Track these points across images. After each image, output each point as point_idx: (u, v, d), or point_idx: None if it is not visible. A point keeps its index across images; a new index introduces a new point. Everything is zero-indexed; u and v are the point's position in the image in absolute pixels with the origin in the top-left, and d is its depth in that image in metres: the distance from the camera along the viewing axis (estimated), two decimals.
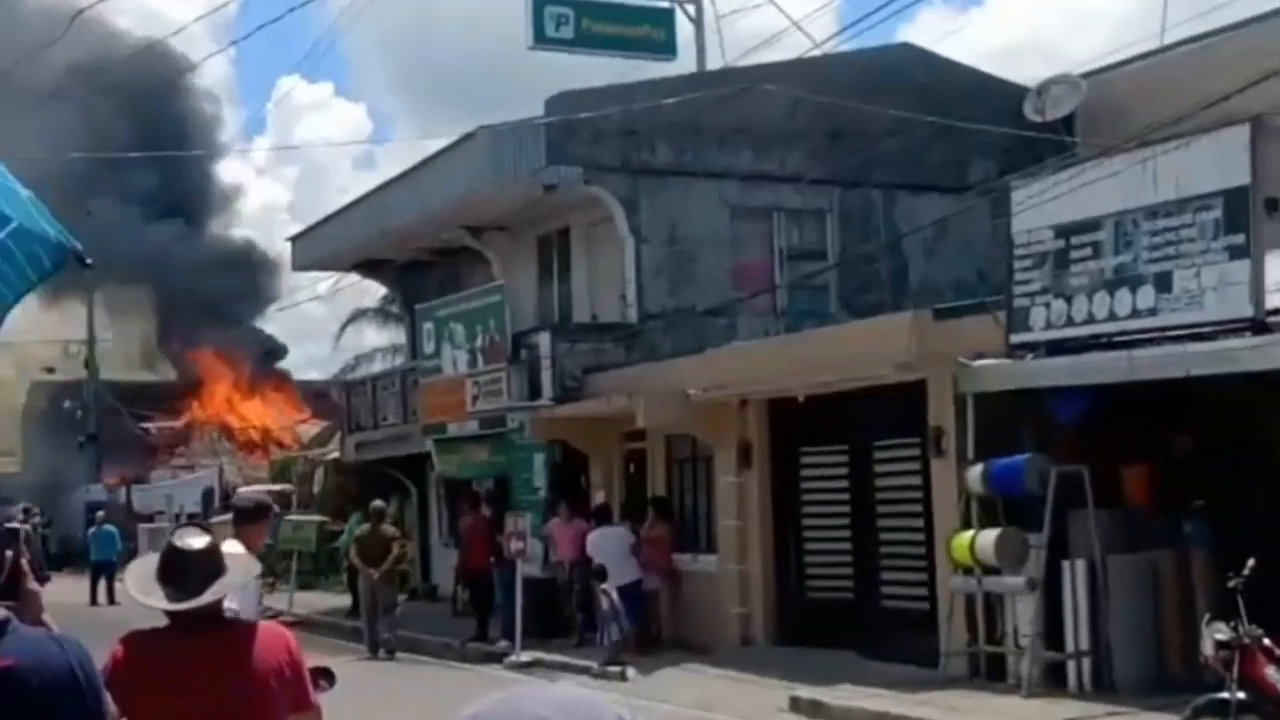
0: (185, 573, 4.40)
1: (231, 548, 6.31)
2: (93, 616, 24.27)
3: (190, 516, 31.05)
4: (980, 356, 13.59)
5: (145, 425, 43.16)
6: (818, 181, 20.64)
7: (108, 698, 3.37)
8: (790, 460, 16.63)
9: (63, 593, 27.66)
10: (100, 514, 30.90)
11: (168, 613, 4.47)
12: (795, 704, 13.18)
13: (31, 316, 47.74)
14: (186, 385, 45.29)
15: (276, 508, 11.92)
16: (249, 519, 6.72)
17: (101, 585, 28.29)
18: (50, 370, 43.95)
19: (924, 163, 20.72)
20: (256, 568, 5.36)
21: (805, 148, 20.97)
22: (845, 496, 15.82)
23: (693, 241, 20.71)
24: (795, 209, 21.43)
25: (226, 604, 5.71)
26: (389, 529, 20.27)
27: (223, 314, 47.14)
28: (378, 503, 20.75)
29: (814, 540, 16.38)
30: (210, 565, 4.45)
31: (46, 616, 3.34)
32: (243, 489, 23.98)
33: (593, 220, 21.79)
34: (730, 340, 18.89)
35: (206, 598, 4.40)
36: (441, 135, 22.60)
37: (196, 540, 4.49)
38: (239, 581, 4.65)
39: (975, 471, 13.13)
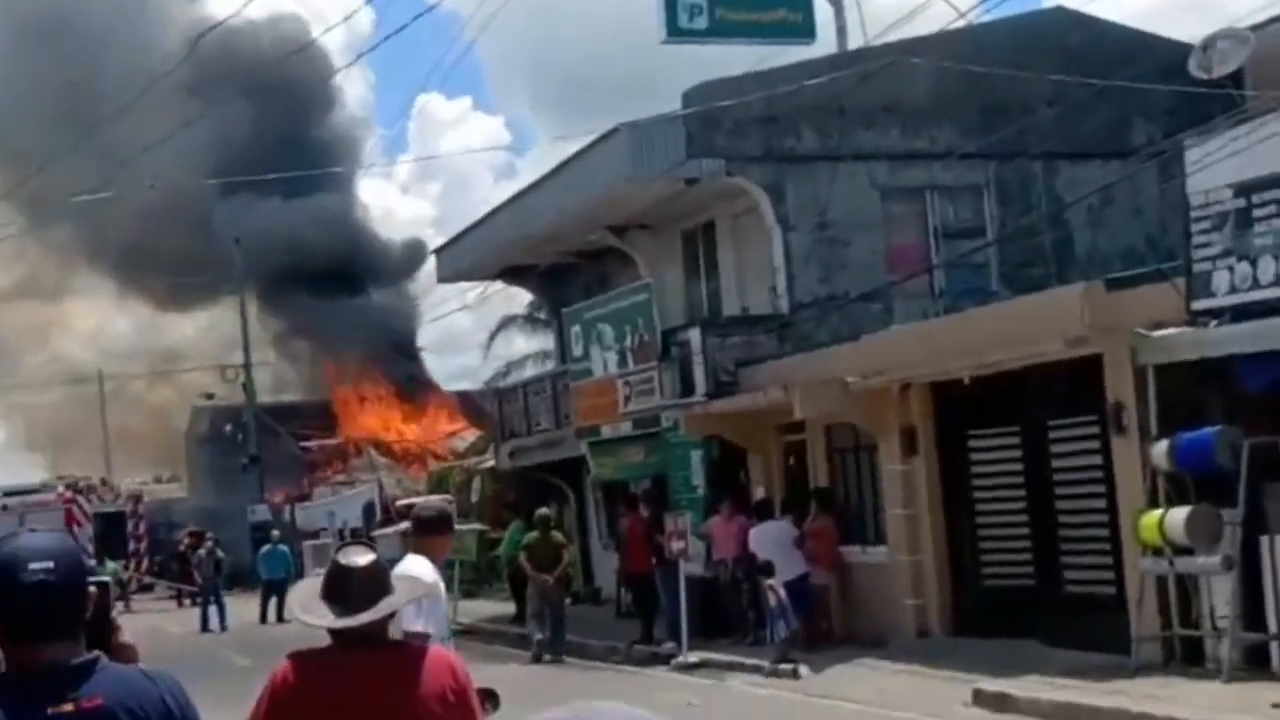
0: (349, 590, 4.26)
1: (414, 562, 6.08)
2: (262, 634, 24.60)
3: (353, 531, 31.36)
4: (1159, 326, 12.89)
5: (304, 444, 43.80)
6: (971, 156, 19.98)
7: None
8: (958, 445, 16.04)
9: (236, 613, 28.32)
10: (275, 533, 31.42)
11: (332, 632, 4.32)
12: (978, 697, 12.62)
13: (189, 342, 48.99)
14: (340, 403, 45.92)
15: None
16: (432, 529, 6.44)
17: (272, 604, 28.69)
18: (209, 396, 44.81)
19: (1083, 129, 19.92)
20: (423, 588, 5.21)
21: (956, 122, 20.34)
22: (1020, 479, 15.18)
23: (843, 226, 20.20)
24: (949, 186, 20.79)
25: (414, 625, 5.48)
26: (558, 535, 20.56)
27: (370, 323, 47.76)
28: (544, 510, 20.84)
29: (989, 526, 15.76)
30: (375, 583, 4.30)
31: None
32: (423, 499, 24.13)
33: (737, 211, 21.41)
34: (887, 325, 18.33)
35: (370, 616, 4.23)
36: (579, 137, 22.26)
37: (361, 557, 4.35)
38: (404, 600, 4.49)
39: (1161, 447, 12.44)
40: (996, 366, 14.24)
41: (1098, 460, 13.85)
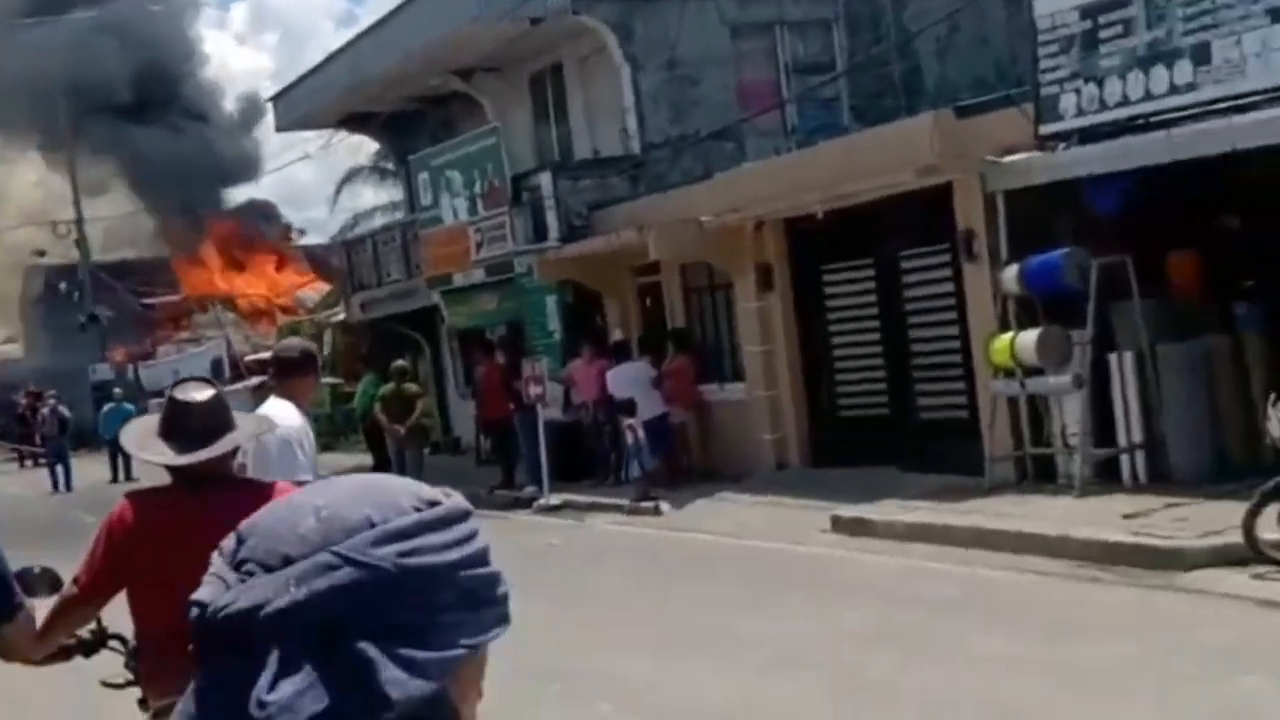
0: (188, 426, 4.00)
1: (277, 406, 5.78)
2: (113, 493, 24.06)
3: None
4: (1009, 153, 12.96)
5: (146, 301, 42.58)
6: None
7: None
8: (813, 280, 16.11)
9: (82, 473, 27.61)
10: (118, 391, 30.53)
11: (171, 471, 4.07)
12: (837, 523, 12.83)
13: (16, 197, 46.99)
14: (184, 259, 44.62)
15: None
16: (296, 370, 6.07)
17: (120, 462, 28.04)
18: (41, 253, 43.18)
19: None
20: (270, 423, 4.87)
21: None
22: (874, 311, 15.32)
23: (693, 64, 19.92)
24: (798, 21, 20.60)
25: (306, 475, 5.18)
26: (411, 386, 20.37)
27: (206, 181, 46.33)
28: (400, 362, 20.66)
29: (844, 359, 15.93)
30: (215, 418, 4.03)
31: None
32: (283, 341, 23.66)
33: (585, 52, 20.98)
34: (740, 164, 18.21)
35: (210, 452, 3.97)
36: None
37: (200, 393, 4.07)
38: (246, 436, 4.22)
39: (1010, 271, 12.60)
40: (849, 200, 14.24)
41: (950, 288, 14.00)
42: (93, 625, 4.16)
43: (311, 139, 32.16)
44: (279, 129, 30.30)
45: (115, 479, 27.52)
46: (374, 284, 25.53)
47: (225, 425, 4.05)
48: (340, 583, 1.13)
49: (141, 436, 4.12)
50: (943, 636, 8.66)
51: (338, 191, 40.16)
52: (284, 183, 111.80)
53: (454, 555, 1.17)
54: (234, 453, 4.17)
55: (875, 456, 14.65)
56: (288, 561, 1.16)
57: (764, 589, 10.87)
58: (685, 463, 17.38)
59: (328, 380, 26.81)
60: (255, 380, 30.89)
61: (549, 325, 20.06)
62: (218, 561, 1.21)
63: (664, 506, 15.56)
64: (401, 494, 1.20)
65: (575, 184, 19.42)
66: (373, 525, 1.16)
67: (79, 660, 4.20)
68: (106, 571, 4.00)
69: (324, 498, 1.21)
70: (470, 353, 22.89)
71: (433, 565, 1.16)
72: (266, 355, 34.90)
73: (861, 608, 9.78)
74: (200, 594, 1.19)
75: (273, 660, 1.14)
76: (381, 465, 22.04)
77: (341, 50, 25.94)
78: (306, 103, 27.21)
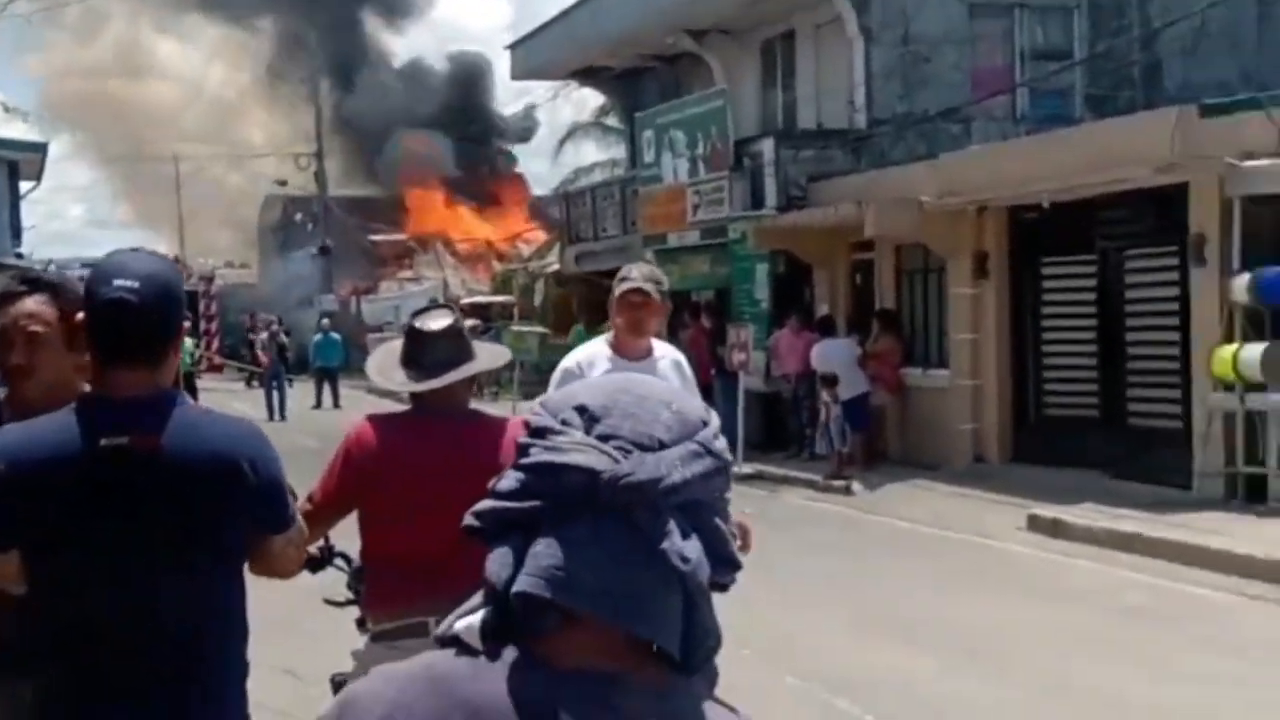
0: (426, 354, 4.06)
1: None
2: (323, 418, 24.97)
3: None
4: (1249, 158, 12.45)
5: (373, 238, 43.86)
6: None
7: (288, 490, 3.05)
8: (1030, 271, 15.75)
9: (294, 398, 28.68)
10: (325, 321, 31.48)
11: (411, 397, 4.17)
12: (1033, 522, 12.59)
13: (263, 129, 48.91)
14: (414, 197, 45.78)
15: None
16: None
17: (326, 390, 29.05)
18: (282, 183, 44.76)
19: None
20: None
21: None
22: (1092, 309, 14.90)
23: (927, 42, 19.58)
24: (1039, 5, 20.06)
25: None
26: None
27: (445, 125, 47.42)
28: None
29: (1055, 355, 15.54)
30: (453, 347, 4.09)
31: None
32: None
33: (820, 21, 20.80)
34: (965, 146, 17.88)
35: (444, 379, 4.04)
36: None
37: (438, 321, 4.11)
38: (484, 366, 4.22)
39: (1242, 281, 12.12)
40: (1078, 192, 13.86)
41: (1174, 292, 13.53)
42: (320, 542, 4.26)
43: (539, 89, 32.67)
44: (514, 77, 30.87)
45: (319, 405, 28.55)
46: (590, 237, 25.86)
47: (463, 354, 4.10)
48: (705, 469, 1.40)
49: (383, 363, 4.20)
50: (1144, 648, 8.47)
51: (561, 144, 40.80)
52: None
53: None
54: (471, 382, 4.19)
55: (1078, 458, 14.29)
56: (661, 445, 1.40)
57: (956, 579, 10.77)
58: (881, 446, 17.23)
59: (537, 329, 27.35)
60: (468, 323, 31.67)
61: (757, 293, 20.04)
62: (571, 433, 1.39)
63: (856, 487, 15.48)
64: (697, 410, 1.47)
65: (797, 154, 19.32)
66: (704, 424, 1.44)
67: (304, 575, 4.39)
68: (341, 491, 4.07)
69: (661, 391, 1.46)
70: (677, 314, 23.00)
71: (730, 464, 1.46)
72: (481, 299, 35.79)
73: (1057, 610, 9.60)
74: (583, 460, 1.37)
75: (672, 525, 1.38)
76: None
77: (581, 3, 26.24)
78: (543, 52, 27.63)
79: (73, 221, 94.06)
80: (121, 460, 2.76)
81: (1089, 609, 9.57)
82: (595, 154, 39.52)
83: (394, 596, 4.00)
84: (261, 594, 3.14)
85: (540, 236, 38.33)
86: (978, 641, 8.66)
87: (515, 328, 28.20)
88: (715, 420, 1.46)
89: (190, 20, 51.68)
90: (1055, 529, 12.28)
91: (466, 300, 35.80)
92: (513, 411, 24.21)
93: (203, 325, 40.02)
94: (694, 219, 20.74)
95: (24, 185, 35.66)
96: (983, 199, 15.50)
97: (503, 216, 44.06)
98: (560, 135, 40.81)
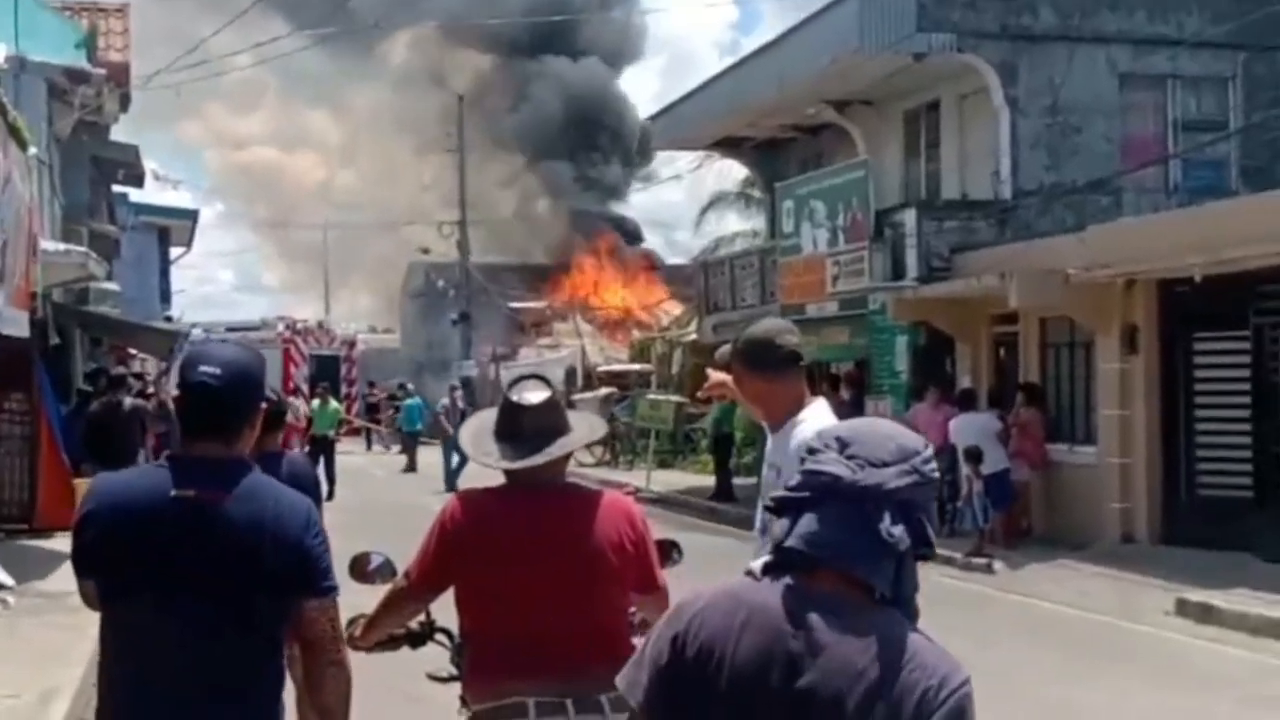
0: (521, 428, 3.95)
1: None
2: (410, 483, 25.36)
3: None
4: None
5: (514, 305, 44.35)
6: (1219, 45, 18.78)
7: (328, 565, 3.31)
8: (1181, 346, 15.29)
9: (427, 462, 29.05)
10: (410, 387, 32.51)
11: (505, 473, 4.03)
12: (1182, 607, 12.11)
13: (409, 197, 49.93)
14: (553, 266, 46.28)
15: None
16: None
17: (416, 453, 29.91)
18: (425, 251, 45.56)
19: None
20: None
21: (1206, 7, 19.14)
22: (1246, 386, 14.40)
23: (1076, 112, 19.25)
24: (1193, 76, 19.62)
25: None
26: None
27: (590, 186, 48.07)
28: None
29: (1207, 433, 15.03)
30: (548, 422, 3.97)
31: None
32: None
33: (965, 91, 20.59)
34: (1114, 218, 17.48)
35: (540, 458, 3.91)
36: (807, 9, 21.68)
37: (535, 394, 4.00)
38: (581, 442, 4.09)
39: None
40: (1230, 265, 13.44)
41: None
42: (422, 617, 4.18)
43: (682, 160, 32.81)
44: (655, 148, 31.06)
45: (412, 468, 29.26)
46: (728, 306, 25.78)
47: (559, 428, 3.98)
48: (914, 481, 2.20)
49: (477, 435, 4.09)
50: None
51: (702, 214, 40.91)
52: (650, 200, 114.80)
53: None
54: (566, 458, 4.05)
55: (1231, 540, 13.75)
56: (884, 464, 2.19)
57: (1101, 664, 10.36)
58: (1025, 523, 16.78)
59: (672, 398, 27.31)
60: (604, 391, 31.74)
61: (897, 365, 19.77)
62: (829, 453, 2.21)
63: (998, 565, 15.08)
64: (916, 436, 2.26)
65: (940, 224, 19.07)
66: (918, 453, 2.22)
67: (405, 651, 4.25)
68: (436, 568, 3.98)
69: (892, 430, 2.27)
70: (815, 385, 22.78)
71: (936, 480, 2.25)
72: (619, 367, 35.87)
73: (1209, 700, 9.19)
74: (833, 469, 2.18)
75: (886, 516, 2.17)
76: (724, 485, 22.25)
77: (724, 74, 26.35)
78: (685, 123, 27.77)
79: (222, 285, 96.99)
80: (188, 511, 3.17)
81: (1244, 701, 9.14)
82: (737, 224, 39.59)
83: (491, 674, 3.87)
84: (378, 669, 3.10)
85: (676, 307, 38.41)
86: None
87: (651, 396, 28.20)
88: (928, 451, 2.24)
89: (343, 92, 53.15)
90: (1205, 614, 11.81)
91: (604, 369, 35.98)
92: (647, 481, 24.17)
93: (343, 389, 40.82)
94: (833, 289, 20.57)
95: (174, 250, 36.78)
96: (1132, 271, 15.11)
97: (643, 285, 44.31)
98: (701, 203, 40.90)
